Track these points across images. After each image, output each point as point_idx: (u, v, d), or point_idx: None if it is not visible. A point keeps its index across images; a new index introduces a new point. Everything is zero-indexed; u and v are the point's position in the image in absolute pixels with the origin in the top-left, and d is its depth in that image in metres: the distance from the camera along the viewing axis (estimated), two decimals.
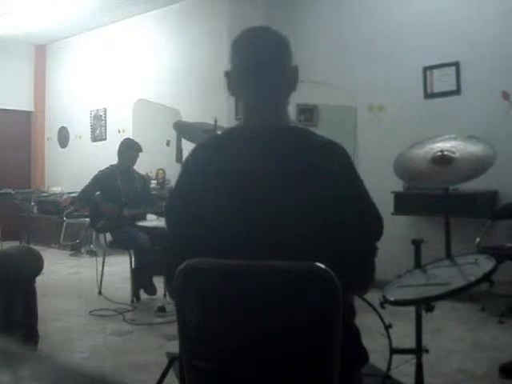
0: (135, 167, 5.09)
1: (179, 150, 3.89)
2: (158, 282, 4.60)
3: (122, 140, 5.21)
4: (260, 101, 1.42)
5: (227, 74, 1.46)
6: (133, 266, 4.63)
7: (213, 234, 1.32)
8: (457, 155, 2.37)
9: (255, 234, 1.29)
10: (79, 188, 5.01)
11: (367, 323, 1.97)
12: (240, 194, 1.33)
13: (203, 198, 1.35)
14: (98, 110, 8.45)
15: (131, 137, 5.74)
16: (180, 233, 1.40)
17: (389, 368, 2.24)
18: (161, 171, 7.21)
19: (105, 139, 8.29)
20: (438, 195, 3.66)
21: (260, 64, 1.41)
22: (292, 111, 5.20)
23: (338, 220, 1.31)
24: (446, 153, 2.37)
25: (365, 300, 2.13)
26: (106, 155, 6.73)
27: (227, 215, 1.32)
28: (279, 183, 1.32)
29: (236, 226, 1.31)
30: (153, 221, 4.84)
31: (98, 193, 4.94)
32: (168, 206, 1.50)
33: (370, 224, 1.39)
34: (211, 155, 1.41)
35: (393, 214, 4.54)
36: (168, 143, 6.69)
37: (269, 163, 1.34)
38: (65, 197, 8.18)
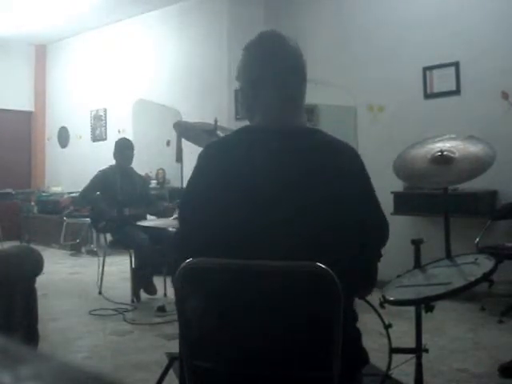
0: (134, 167, 5.09)
1: (179, 150, 3.88)
2: (158, 282, 4.61)
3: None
4: (281, 102, 1.41)
5: (239, 78, 1.46)
6: (133, 265, 4.63)
7: (225, 233, 1.32)
8: (456, 155, 2.37)
9: (267, 233, 1.29)
10: (79, 188, 5.01)
11: (367, 323, 1.97)
12: (254, 194, 1.33)
13: (218, 196, 1.35)
14: (98, 110, 8.45)
15: (131, 137, 5.73)
16: (193, 231, 1.39)
17: (389, 368, 2.24)
18: (161, 171, 7.21)
19: (105, 139, 8.29)
20: (438, 195, 3.66)
21: (289, 67, 1.42)
22: None
23: (347, 223, 1.31)
24: (445, 153, 2.37)
25: (365, 300, 2.13)
26: (106, 155, 6.69)
27: (241, 214, 1.32)
28: (293, 184, 1.32)
29: (248, 226, 1.31)
30: (153, 221, 4.84)
31: (97, 193, 4.94)
32: (182, 203, 1.51)
33: (378, 228, 1.41)
34: (226, 154, 1.41)
35: (392, 214, 4.54)
36: (168, 143, 6.69)
37: (284, 163, 1.34)
38: (65, 197, 8.18)
